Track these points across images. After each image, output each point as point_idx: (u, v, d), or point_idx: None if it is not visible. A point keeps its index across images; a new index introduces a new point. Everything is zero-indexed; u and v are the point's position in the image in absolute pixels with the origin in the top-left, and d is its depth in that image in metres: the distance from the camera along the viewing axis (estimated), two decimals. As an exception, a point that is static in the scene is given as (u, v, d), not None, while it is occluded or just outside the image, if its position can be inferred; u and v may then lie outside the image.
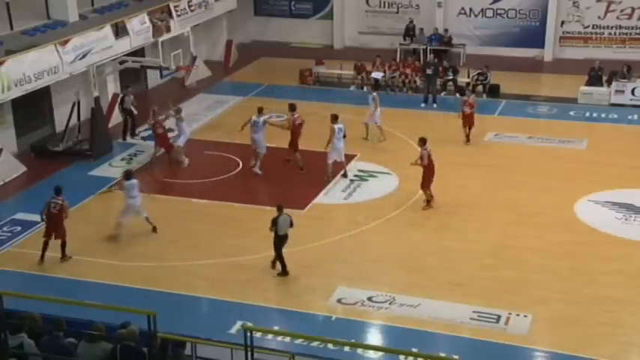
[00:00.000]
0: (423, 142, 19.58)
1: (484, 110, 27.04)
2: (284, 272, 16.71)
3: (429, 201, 19.61)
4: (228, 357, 11.43)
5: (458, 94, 28.36)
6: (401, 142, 23.60)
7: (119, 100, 25.34)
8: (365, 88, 29.21)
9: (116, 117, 26.00)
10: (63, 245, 17.35)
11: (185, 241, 18.16)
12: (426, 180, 19.50)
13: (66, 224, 17.30)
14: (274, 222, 16.48)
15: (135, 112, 24.77)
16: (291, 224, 16.66)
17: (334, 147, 21.17)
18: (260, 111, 22.14)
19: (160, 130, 22.45)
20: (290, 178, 21.83)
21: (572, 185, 20.78)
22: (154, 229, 18.46)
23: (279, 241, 16.60)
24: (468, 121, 23.59)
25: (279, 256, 16.71)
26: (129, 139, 24.74)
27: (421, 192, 20.01)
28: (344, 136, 21.30)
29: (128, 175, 18.52)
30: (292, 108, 22.52)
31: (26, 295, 11.39)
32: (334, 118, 21.42)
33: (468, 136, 23.63)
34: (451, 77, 28.46)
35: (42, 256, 17.29)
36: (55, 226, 17.25)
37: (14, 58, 21.23)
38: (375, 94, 24.23)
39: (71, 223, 19.27)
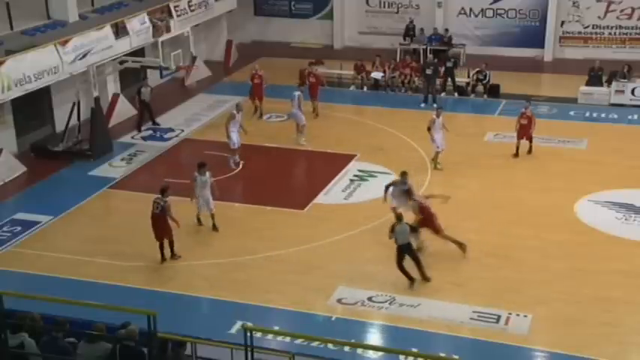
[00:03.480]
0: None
1: (484, 110, 27.10)
2: (411, 281, 16.04)
3: (460, 244, 17.22)
4: (228, 357, 11.44)
5: (456, 94, 28.37)
6: (401, 142, 23.60)
7: (136, 90, 25.68)
8: (365, 88, 29.30)
9: (116, 117, 26.05)
10: (171, 244, 17.22)
11: (185, 241, 18.15)
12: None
13: (172, 225, 17.07)
14: (392, 229, 16.00)
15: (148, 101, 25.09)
16: (414, 231, 16.07)
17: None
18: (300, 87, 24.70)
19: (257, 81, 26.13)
20: (290, 178, 21.85)
21: (572, 185, 20.77)
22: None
23: (399, 251, 16.01)
24: (523, 133, 22.47)
25: (400, 269, 16.01)
26: (143, 131, 25.17)
27: (421, 192, 20.14)
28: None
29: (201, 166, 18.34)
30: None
31: (26, 295, 11.37)
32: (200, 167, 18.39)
33: (517, 149, 22.55)
34: (450, 65, 28.26)
35: (162, 257, 17.22)
36: (157, 227, 17.02)
37: (14, 58, 21.22)
38: (442, 115, 21.88)
39: (72, 222, 19.38)
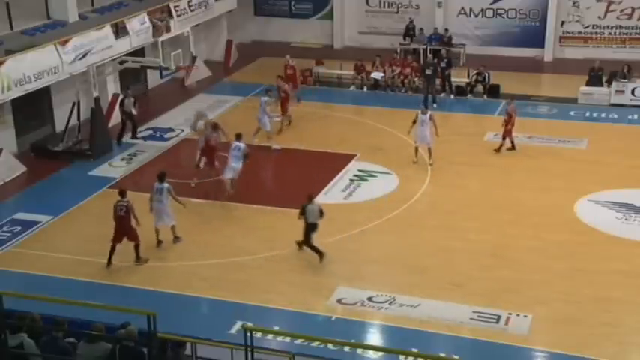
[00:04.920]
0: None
1: (484, 110, 27.09)
2: (320, 255, 17.03)
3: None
4: (228, 357, 11.44)
5: (452, 96, 28.32)
6: (401, 142, 23.58)
7: (119, 101, 25.29)
8: (365, 88, 29.30)
9: (116, 117, 25.96)
10: (136, 247, 17.07)
11: (185, 241, 18.14)
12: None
13: (134, 225, 17.03)
14: (303, 210, 16.92)
15: (135, 113, 24.69)
16: (321, 214, 17.02)
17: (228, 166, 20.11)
18: (268, 92, 24.23)
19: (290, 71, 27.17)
20: (290, 178, 21.84)
21: (572, 185, 20.78)
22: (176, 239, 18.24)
23: (308, 228, 17.00)
24: (504, 131, 22.93)
25: (309, 245, 17.07)
26: (130, 141, 24.42)
27: (421, 192, 20.16)
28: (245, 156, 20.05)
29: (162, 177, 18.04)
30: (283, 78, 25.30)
31: (26, 295, 11.38)
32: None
33: (512, 144, 23.03)
34: (444, 66, 28.23)
35: (109, 261, 16.98)
36: (124, 229, 16.94)
37: (14, 58, 21.23)
38: (430, 113, 22.32)
39: (72, 222, 19.39)
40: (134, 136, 24.77)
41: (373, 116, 26.56)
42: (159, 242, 18.02)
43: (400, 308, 15.46)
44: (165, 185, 17.88)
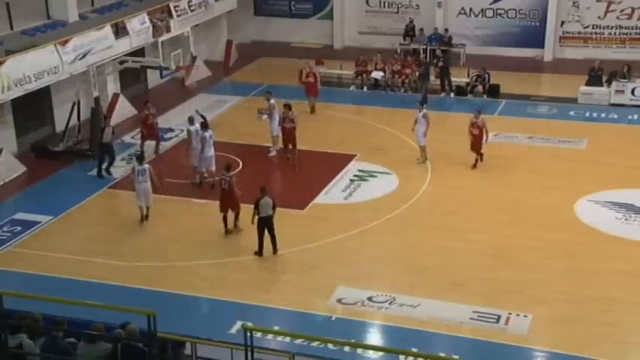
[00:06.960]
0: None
1: (484, 110, 27.01)
2: (259, 252, 17.38)
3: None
4: (228, 357, 11.44)
5: (445, 95, 28.29)
6: (401, 142, 23.60)
7: (101, 129, 22.30)
8: (365, 88, 29.29)
9: (116, 117, 25.94)
10: (237, 215, 18.31)
11: (185, 241, 18.16)
12: None
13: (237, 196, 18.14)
14: (256, 204, 17.17)
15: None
16: (274, 207, 17.28)
17: (204, 155, 20.69)
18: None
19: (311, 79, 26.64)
20: (290, 178, 21.85)
21: (572, 185, 20.78)
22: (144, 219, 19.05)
23: (260, 222, 17.25)
24: (474, 144, 21.88)
25: (258, 237, 17.30)
26: (105, 175, 21.84)
27: (421, 192, 20.15)
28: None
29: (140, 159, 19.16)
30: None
31: (26, 295, 11.36)
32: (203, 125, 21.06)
33: (476, 161, 21.94)
34: (442, 64, 28.34)
35: (226, 230, 18.32)
36: (227, 200, 18.22)
37: (14, 58, 21.23)
38: (425, 111, 22.15)
39: (72, 222, 19.40)
40: (108, 172, 21.87)
41: (373, 116, 26.56)
42: (145, 217, 18.99)
43: (400, 308, 15.46)
44: (146, 166, 18.82)
